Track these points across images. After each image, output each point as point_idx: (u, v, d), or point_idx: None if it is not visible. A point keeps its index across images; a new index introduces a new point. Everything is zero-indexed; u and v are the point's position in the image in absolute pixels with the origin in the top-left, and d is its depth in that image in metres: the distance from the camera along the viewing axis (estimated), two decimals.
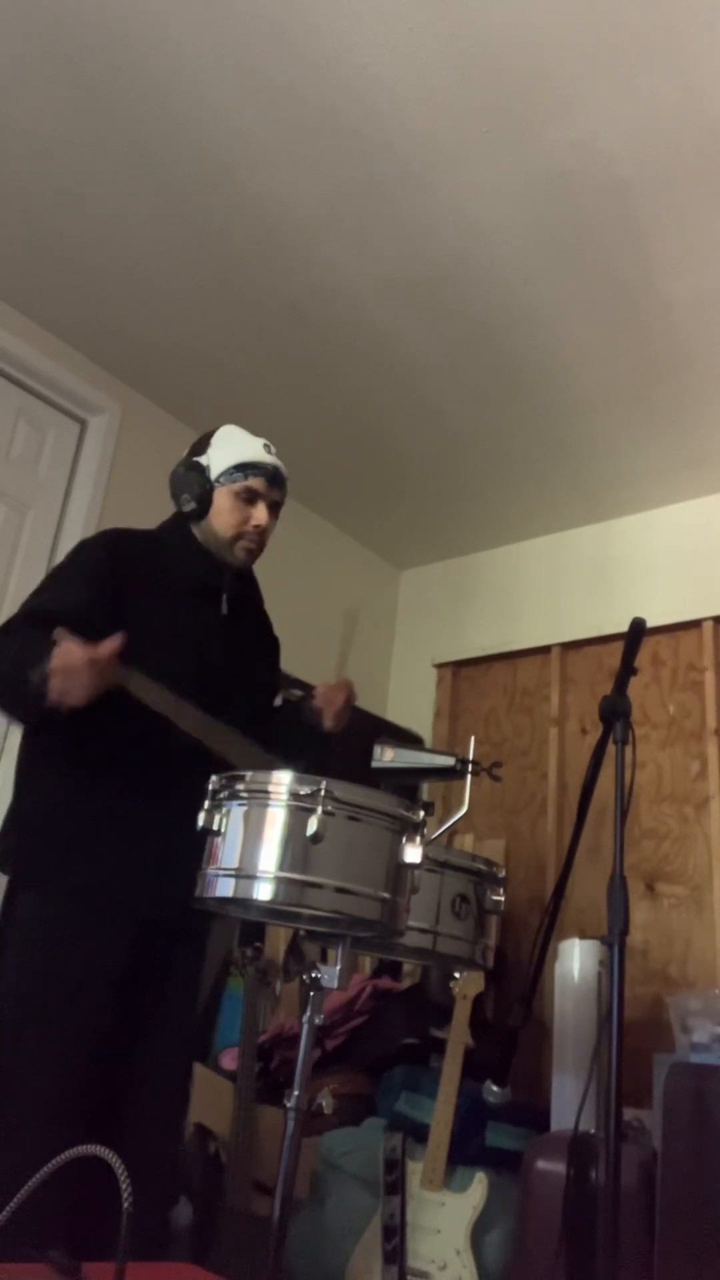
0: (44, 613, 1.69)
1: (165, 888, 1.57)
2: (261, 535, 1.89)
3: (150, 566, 1.84)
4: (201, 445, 1.91)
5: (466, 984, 2.41)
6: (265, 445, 1.90)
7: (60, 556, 2.91)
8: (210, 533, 1.89)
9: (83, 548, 1.89)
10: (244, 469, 1.86)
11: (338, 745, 1.96)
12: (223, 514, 1.86)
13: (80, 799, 1.69)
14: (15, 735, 2.70)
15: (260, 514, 1.87)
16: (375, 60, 2.05)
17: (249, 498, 1.86)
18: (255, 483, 1.86)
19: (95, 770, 1.70)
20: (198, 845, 1.34)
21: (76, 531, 2.96)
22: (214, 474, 1.86)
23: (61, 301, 2.87)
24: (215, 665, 1.83)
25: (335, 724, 1.94)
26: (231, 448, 1.88)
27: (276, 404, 3.21)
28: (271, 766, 1.68)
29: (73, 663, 1.50)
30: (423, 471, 3.53)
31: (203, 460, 1.88)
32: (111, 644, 1.52)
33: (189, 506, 1.88)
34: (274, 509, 1.91)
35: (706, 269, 2.49)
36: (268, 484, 1.88)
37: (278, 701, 2.03)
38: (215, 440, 1.90)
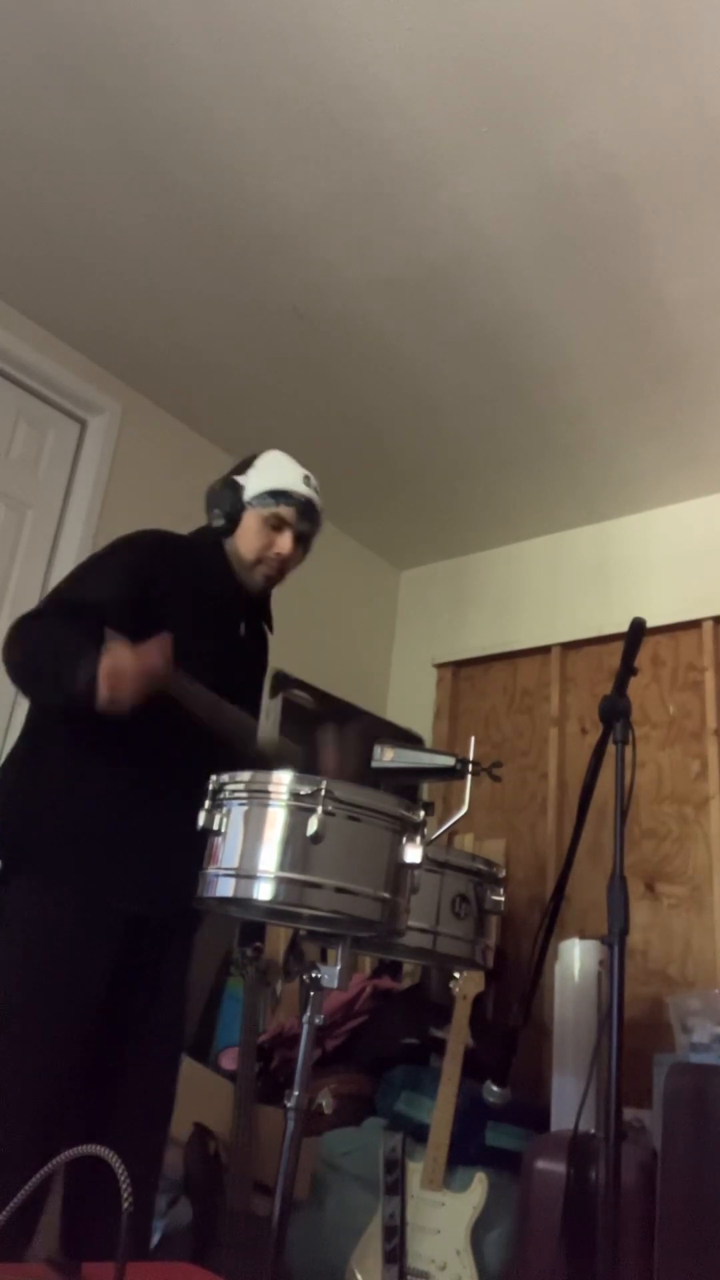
0: (78, 603, 1.70)
1: (161, 883, 1.56)
2: (283, 564, 1.91)
3: (182, 574, 1.85)
4: (244, 465, 1.94)
5: (466, 984, 2.41)
6: (306, 477, 1.92)
7: (60, 556, 2.95)
8: (235, 553, 1.90)
9: (122, 544, 1.89)
10: (277, 496, 1.87)
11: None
12: (248, 536, 1.88)
13: (80, 789, 1.69)
14: (15, 733, 2.70)
15: (284, 543, 1.88)
16: (375, 60, 2.05)
17: (276, 525, 1.88)
18: (285, 511, 1.88)
19: (97, 760, 1.70)
20: (195, 842, 1.34)
21: (76, 531, 2.97)
22: (247, 495, 1.88)
23: (62, 301, 2.87)
24: (231, 683, 1.83)
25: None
26: (270, 473, 1.90)
27: (276, 404, 3.21)
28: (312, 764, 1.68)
29: (122, 669, 1.51)
30: (423, 471, 3.53)
31: (241, 480, 1.91)
32: (163, 646, 1.53)
33: (218, 522, 1.90)
34: (302, 541, 1.92)
35: (706, 269, 2.49)
36: (298, 515, 1.89)
37: (278, 707, 2.01)
38: (258, 463, 1.93)
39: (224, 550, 1.92)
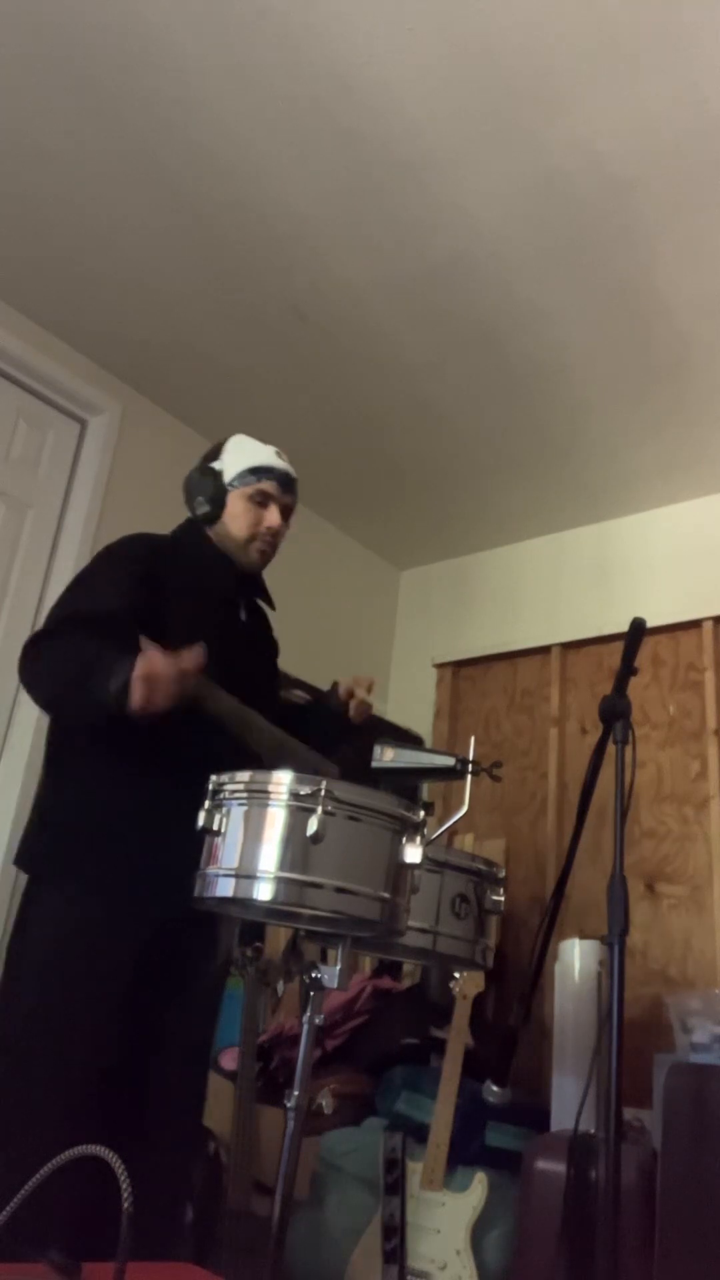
0: (87, 616, 1.70)
1: (187, 888, 1.57)
2: (274, 537, 1.94)
3: (178, 570, 1.87)
4: (215, 452, 1.96)
5: (466, 984, 2.41)
6: (277, 451, 1.95)
7: (61, 556, 2.95)
8: (224, 536, 1.92)
9: (114, 552, 1.89)
10: (257, 472, 1.91)
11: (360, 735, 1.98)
12: (236, 517, 1.91)
13: (106, 796, 1.70)
14: (16, 733, 2.71)
15: (273, 516, 1.91)
16: (375, 60, 2.05)
17: (261, 501, 1.91)
18: (268, 486, 1.91)
19: (117, 768, 1.71)
20: None
21: (76, 531, 2.97)
22: (227, 478, 1.91)
23: (62, 301, 2.87)
24: (238, 670, 1.84)
25: (359, 716, 1.98)
26: (244, 453, 1.93)
27: (276, 404, 3.21)
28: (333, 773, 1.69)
29: (159, 671, 1.51)
30: (423, 471, 3.53)
31: (216, 465, 1.93)
32: (196, 655, 1.54)
33: (203, 510, 1.92)
34: (286, 513, 1.95)
35: (707, 269, 2.49)
36: (280, 488, 1.93)
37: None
38: (228, 447, 1.95)
39: (209, 540, 1.93)
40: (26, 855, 1.72)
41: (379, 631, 4.10)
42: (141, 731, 1.65)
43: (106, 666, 1.54)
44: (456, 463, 3.45)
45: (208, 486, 1.91)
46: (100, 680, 1.54)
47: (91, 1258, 1.06)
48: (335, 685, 2.01)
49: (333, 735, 1.97)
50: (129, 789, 1.70)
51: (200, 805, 1.36)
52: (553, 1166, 2.00)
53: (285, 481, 1.94)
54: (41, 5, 2.02)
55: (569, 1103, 2.27)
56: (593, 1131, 1.98)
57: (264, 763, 1.63)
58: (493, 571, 3.96)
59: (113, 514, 3.00)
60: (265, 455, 1.93)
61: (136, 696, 1.51)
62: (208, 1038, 1.86)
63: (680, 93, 2.04)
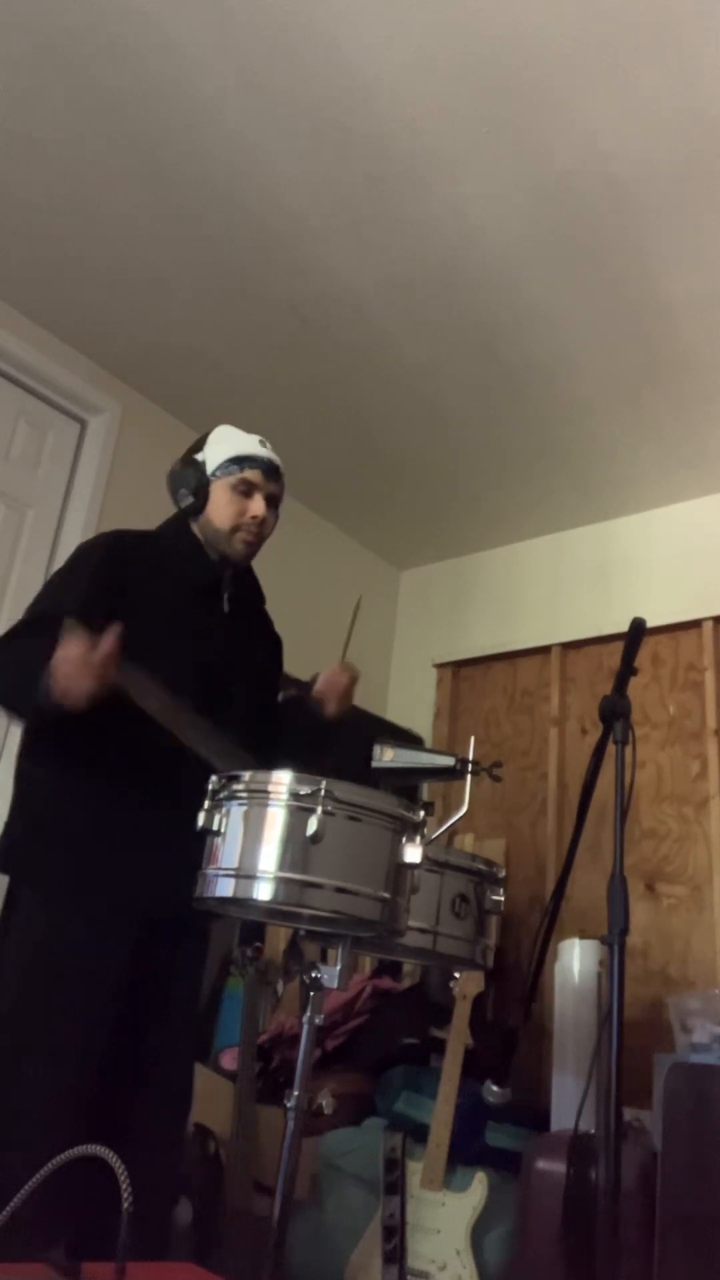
0: (43, 619, 1.71)
1: (167, 888, 1.57)
2: (260, 527, 1.89)
3: (149, 565, 1.85)
4: (198, 444, 1.94)
5: (466, 984, 2.41)
6: (260, 440, 1.92)
7: (61, 556, 2.94)
8: (209, 527, 1.89)
9: (80, 551, 1.90)
10: (239, 461, 1.87)
11: (340, 736, 1.96)
12: (220, 507, 1.87)
13: (82, 799, 1.69)
14: (15, 735, 2.71)
15: (257, 505, 1.87)
16: (375, 60, 2.05)
17: (245, 490, 1.87)
18: (251, 475, 1.87)
19: (97, 770, 1.70)
20: (199, 846, 1.34)
21: (76, 531, 2.97)
22: (210, 468, 1.88)
23: (61, 301, 2.87)
24: (215, 662, 1.83)
25: (338, 709, 1.94)
26: (226, 443, 1.90)
27: (276, 404, 3.21)
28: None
29: (70, 659, 1.50)
30: (423, 471, 3.53)
31: (199, 457, 1.91)
32: (108, 642, 1.51)
33: (186, 501, 1.89)
34: (271, 502, 1.91)
35: (706, 269, 2.49)
36: (264, 476, 1.89)
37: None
38: (211, 439, 1.93)
39: (192, 533, 1.91)
40: (4, 856, 1.71)
41: (379, 631, 4.10)
42: (110, 733, 1.64)
43: (37, 663, 1.54)
44: (456, 463, 3.45)
45: (190, 478, 1.88)
46: (35, 677, 1.54)
47: (91, 1258, 1.06)
48: (311, 682, 1.97)
49: (311, 738, 1.94)
50: (100, 791, 1.69)
51: (182, 806, 1.35)
52: (553, 1166, 2.00)
53: (270, 470, 1.89)
54: (40, 4, 2.03)
55: (569, 1103, 2.27)
56: (593, 1131, 1.98)
57: (203, 760, 1.58)
58: (493, 571, 3.96)
59: (112, 514, 3.00)
60: (248, 444, 1.89)
61: (56, 683, 1.50)
62: (194, 1040, 1.85)
63: (680, 93, 2.04)
